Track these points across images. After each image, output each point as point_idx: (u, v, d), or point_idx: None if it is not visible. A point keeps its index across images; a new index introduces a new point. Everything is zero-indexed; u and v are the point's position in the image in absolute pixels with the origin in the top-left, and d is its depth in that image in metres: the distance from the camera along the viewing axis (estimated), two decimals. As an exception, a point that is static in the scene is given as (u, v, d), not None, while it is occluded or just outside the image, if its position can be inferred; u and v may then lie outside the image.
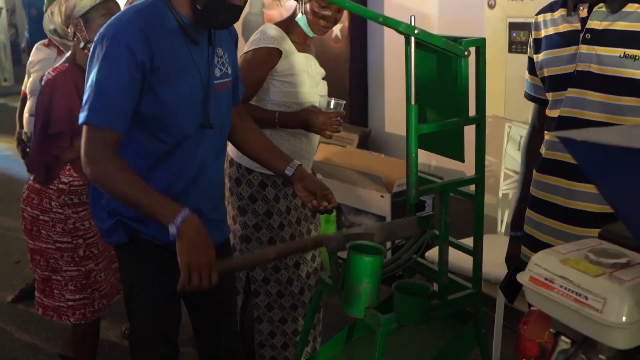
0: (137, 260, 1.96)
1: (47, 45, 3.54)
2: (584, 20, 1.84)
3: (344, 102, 2.53)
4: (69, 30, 2.64)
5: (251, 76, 2.40)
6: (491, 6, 3.35)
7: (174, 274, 1.73)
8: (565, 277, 1.20)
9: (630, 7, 1.77)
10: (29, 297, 3.74)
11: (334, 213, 2.82)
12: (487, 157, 3.43)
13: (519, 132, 3.14)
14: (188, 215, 1.69)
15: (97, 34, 1.76)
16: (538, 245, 1.83)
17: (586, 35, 1.82)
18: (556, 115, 1.89)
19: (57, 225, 2.57)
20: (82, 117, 1.73)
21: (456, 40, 1.69)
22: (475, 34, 3.47)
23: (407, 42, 1.66)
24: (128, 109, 1.74)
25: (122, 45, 1.70)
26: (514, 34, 3.25)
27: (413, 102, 1.65)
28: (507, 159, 3.24)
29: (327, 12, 2.42)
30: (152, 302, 1.97)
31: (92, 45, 1.76)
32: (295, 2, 2.50)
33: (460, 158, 1.82)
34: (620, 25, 1.78)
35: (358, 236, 1.79)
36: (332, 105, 2.46)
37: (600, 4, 1.81)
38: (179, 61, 1.78)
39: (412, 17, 1.64)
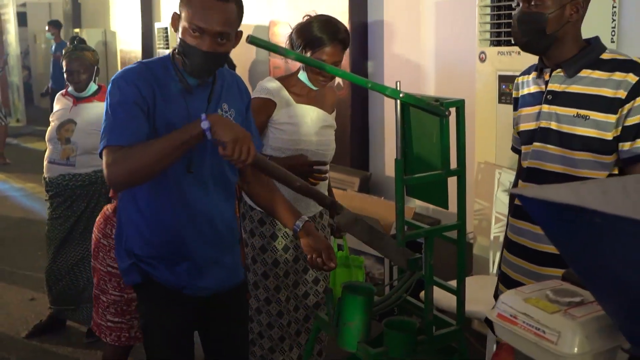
0: (150, 300, 2.13)
1: (65, 95, 3.79)
2: (547, 83, 2.07)
3: (312, 153, 2.71)
4: None
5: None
6: (482, 60, 3.57)
7: (185, 312, 1.91)
8: (527, 314, 1.39)
9: (584, 73, 1.99)
10: (43, 333, 3.92)
11: (363, 260, 3.03)
12: (479, 201, 3.66)
13: (509, 178, 3.32)
14: (208, 115, 1.82)
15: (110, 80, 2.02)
16: (511, 283, 2.01)
17: (548, 96, 2.04)
18: (525, 167, 2.11)
19: (112, 251, 2.78)
20: (101, 145, 1.92)
21: (439, 100, 1.90)
22: (468, 85, 3.72)
23: (395, 104, 1.87)
24: (140, 125, 1.92)
25: (129, 82, 1.94)
26: (504, 86, 3.46)
27: (399, 157, 1.86)
28: (498, 203, 3.43)
29: (324, 80, 2.68)
30: (165, 339, 2.12)
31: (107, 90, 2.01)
32: None
33: (445, 206, 2.01)
34: (575, 88, 1.99)
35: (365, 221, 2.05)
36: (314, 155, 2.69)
37: (559, 69, 2.03)
38: (174, 107, 1.98)
39: (398, 83, 1.85)
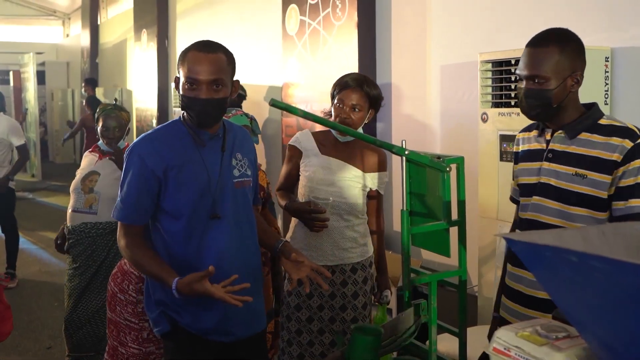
0: (176, 348, 2.29)
1: (92, 152, 4.03)
2: (548, 142, 2.25)
3: (323, 201, 2.88)
4: None
5: (283, 167, 3.04)
6: (484, 120, 3.79)
7: (209, 358, 2.12)
8: (519, 347, 1.55)
9: (583, 135, 2.17)
10: (61, 380, 4.06)
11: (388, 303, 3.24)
12: (482, 254, 3.80)
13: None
14: (179, 282, 2.10)
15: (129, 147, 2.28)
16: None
17: (549, 155, 2.22)
18: (524, 217, 2.28)
19: (129, 306, 2.90)
20: (114, 213, 2.24)
21: (441, 157, 2.10)
22: (471, 144, 3.94)
23: (402, 160, 2.08)
24: (145, 205, 2.21)
25: (135, 155, 2.20)
26: (504, 145, 3.67)
27: (404, 208, 2.05)
28: (500, 256, 3.59)
29: (341, 111, 2.90)
30: None
31: None
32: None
33: (447, 254, 2.19)
34: (574, 149, 2.17)
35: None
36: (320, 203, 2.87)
37: (560, 131, 2.21)
38: (190, 164, 2.21)
39: (403, 142, 2.05)
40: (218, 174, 2.23)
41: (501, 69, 3.70)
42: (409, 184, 2.26)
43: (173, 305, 2.23)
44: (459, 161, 2.11)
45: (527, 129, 2.42)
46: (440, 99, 4.61)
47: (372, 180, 3.04)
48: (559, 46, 2.11)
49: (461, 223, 2.13)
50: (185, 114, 2.23)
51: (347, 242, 2.97)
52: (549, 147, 2.23)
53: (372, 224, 3.12)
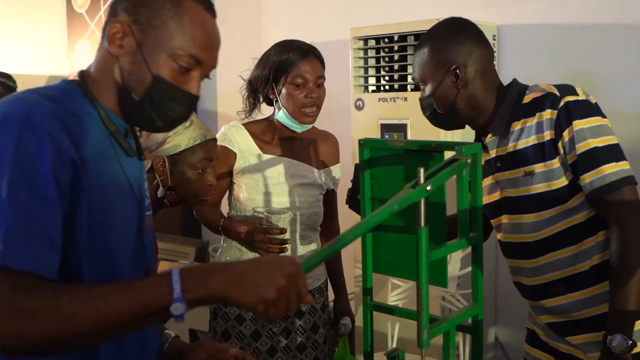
0: None
1: None
2: (488, 150, 1.83)
3: (278, 216, 2.15)
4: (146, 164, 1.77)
5: None
6: (359, 107, 3.20)
7: None
8: None
9: (514, 126, 1.75)
10: None
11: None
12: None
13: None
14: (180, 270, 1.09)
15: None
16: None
17: (497, 164, 1.81)
18: (500, 240, 1.89)
19: None
20: None
21: (435, 144, 1.45)
22: (344, 136, 3.31)
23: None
24: (59, 227, 1.09)
25: (41, 133, 1.07)
26: (387, 136, 3.11)
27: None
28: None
29: (305, 90, 2.13)
30: None
31: None
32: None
33: (444, 283, 1.54)
34: (512, 147, 1.76)
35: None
36: (272, 219, 2.11)
37: (489, 135, 1.80)
38: (110, 176, 1.22)
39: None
40: (141, 200, 1.36)
41: (378, 47, 3.13)
42: (369, 185, 1.59)
43: None
44: (477, 150, 1.46)
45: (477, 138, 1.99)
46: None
47: (328, 177, 2.31)
48: (429, 44, 1.80)
49: (478, 239, 1.48)
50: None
51: None
52: (492, 156, 1.82)
53: (326, 232, 2.37)
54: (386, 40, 3.08)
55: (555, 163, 1.68)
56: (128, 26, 1.21)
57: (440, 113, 1.80)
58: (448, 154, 1.45)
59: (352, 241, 1.25)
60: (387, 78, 3.13)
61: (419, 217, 1.31)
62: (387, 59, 3.11)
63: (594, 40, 2.92)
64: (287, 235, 2.10)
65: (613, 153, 1.64)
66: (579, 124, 1.64)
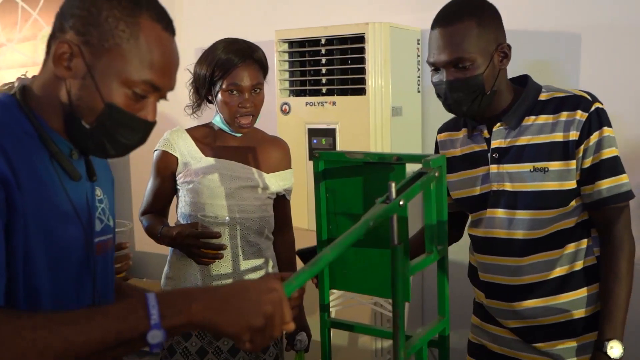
0: None
1: None
2: (488, 141, 1.78)
3: (216, 221, 2.06)
4: None
5: (150, 182, 2.15)
6: (285, 112, 3.13)
7: None
8: None
9: (528, 120, 1.74)
10: None
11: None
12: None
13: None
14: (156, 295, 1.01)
15: None
16: None
17: (494, 155, 1.77)
18: (476, 235, 1.84)
19: None
20: None
21: (398, 157, 1.41)
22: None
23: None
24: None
25: None
26: (315, 141, 3.05)
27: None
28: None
29: (239, 99, 2.03)
30: None
31: None
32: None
33: (407, 297, 1.49)
34: (524, 140, 1.74)
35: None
36: (206, 222, 2.04)
37: (498, 124, 1.76)
38: (48, 200, 1.10)
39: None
40: (89, 226, 1.27)
41: (304, 50, 3.07)
42: (324, 199, 1.54)
43: None
44: (442, 162, 1.42)
45: (452, 128, 1.92)
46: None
47: (276, 182, 2.20)
48: (475, 17, 1.67)
49: (444, 253, 1.45)
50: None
51: (252, 273, 2.11)
52: (492, 147, 1.77)
53: (279, 243, 2.27)
54: (312, 43, 3.02)
55: (572, 164, 1.69)
56: (77, 46, 1.10)
57: (472, 96, 1.68)
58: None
59: (332, 260, 1.18)
60: (313, 82, 3.07)
61: (392, 235, 1.26)
62: (312, 62, 3.06)
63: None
64: (223, 241, 2.04)
65: (622, 165, 1.71)
66: (607, 131, 1.68)
